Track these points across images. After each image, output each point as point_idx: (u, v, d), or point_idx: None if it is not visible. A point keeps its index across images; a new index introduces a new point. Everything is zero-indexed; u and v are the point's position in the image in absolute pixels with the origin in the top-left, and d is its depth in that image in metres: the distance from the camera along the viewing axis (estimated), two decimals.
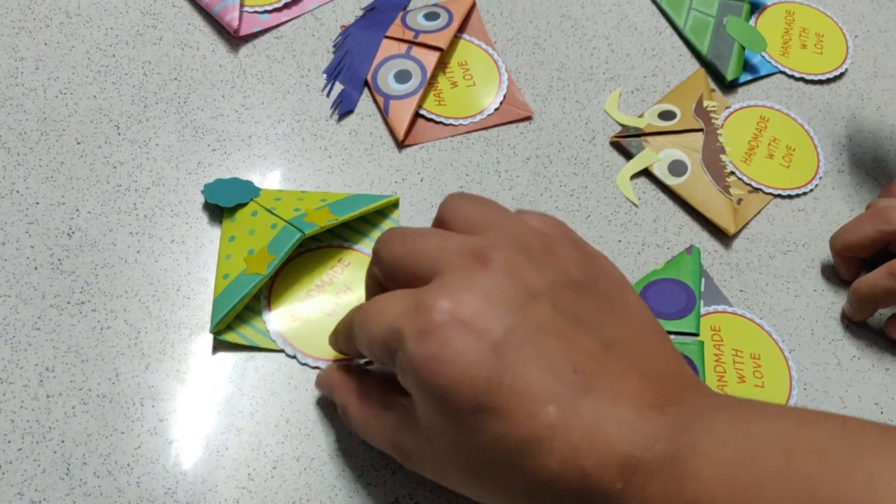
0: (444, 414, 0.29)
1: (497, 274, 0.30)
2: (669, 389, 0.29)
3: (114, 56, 0.47)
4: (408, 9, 0.52)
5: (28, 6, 0.47)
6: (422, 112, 0.48)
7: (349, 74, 0.48)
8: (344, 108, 0.47)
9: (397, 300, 0.31)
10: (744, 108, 0.52)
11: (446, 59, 0.50)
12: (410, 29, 0.49)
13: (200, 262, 0.42)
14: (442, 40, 0.49)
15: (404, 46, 0.49)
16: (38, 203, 0.42)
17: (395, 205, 0.44)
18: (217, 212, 0.43)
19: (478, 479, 0.30)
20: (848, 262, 0.45)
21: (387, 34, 0.49)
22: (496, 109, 0.49)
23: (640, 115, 0.50)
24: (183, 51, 0.48)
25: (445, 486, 0.32)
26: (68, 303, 0.39)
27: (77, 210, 0.42)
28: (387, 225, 0.44)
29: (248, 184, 0.43)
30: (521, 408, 0.28)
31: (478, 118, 0.48)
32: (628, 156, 0.49)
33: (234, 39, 0.49)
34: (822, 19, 0.57)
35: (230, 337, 0.39)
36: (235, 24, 0.47)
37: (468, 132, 0.48)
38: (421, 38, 0.49)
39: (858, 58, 0.56)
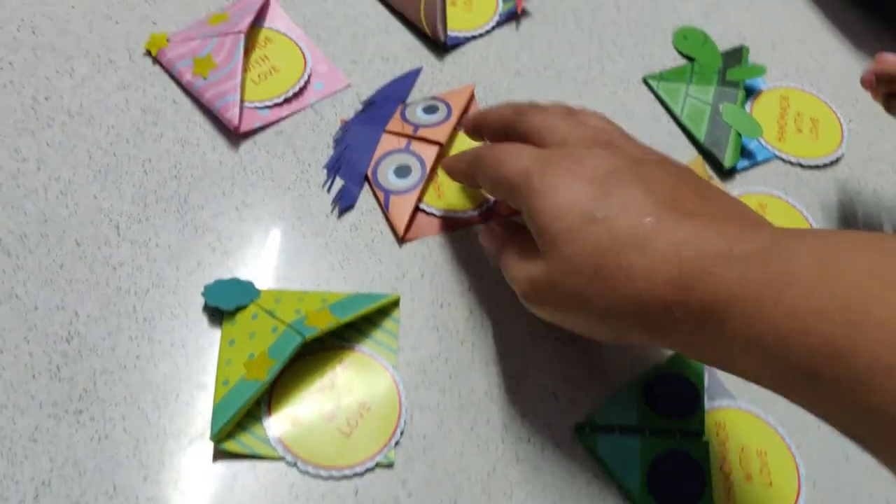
0: (558, 230, 0.34)
1: (612, 150, 0.37)
2: (764, 222, 0.34)
3: (114, 154, 0.47)
4: (407, 102, 0.52)
5: (31, 106, 0.48)
6: (422, 206, 0.48)
7: (349, 170, 0.48)
8: (344, 203, 0.47)
9: (529, 151, 0.37)
10: (742, 195, 0.52)
11: (445, 151, 0.50)
12: (410, 123, 0.50)
13: (200, 366, 0.41)
14: (441, 134, 0.49)
15: (404, 141, 0.49)
16: (37, 308, 0.41)
17: (395, 303, 0.44)
18: (217, 313, 0.43)
19: (585, 288, 0.34)
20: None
21: (386, 129, 0.50)
22: (497, 202, 0.49)
23: None
24: (183, 148, 0.48)
25: (553, 320, 0.37)
26: (66, 412, 0.39)
27: (76, 314, 0.42)
28: (387, 323, 0.43)
29: (249, 285, 0.43)
30: (622, 217, 0.33)
31: (477, 212, 0.48)
32: None
33: (234, 135, 0.49)
34: (817, 104, 0.58)
35: (230, 446, 0.39)
36: (235, 121, 0.48)
37: (468, 225, 0.48)
38: (420, 133, 0.49)
39: (853, 142, 0.56)
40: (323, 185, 0.48)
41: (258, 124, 0.49)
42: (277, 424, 0.40)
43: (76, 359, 0.40)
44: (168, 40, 0.51)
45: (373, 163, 0.49)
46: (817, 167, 0.55)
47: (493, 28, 0.57)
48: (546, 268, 0.35)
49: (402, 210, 0.47)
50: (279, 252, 0.46)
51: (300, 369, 0.41)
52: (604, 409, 0.43)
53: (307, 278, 0.45)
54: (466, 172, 0.42)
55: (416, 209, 0.48)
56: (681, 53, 0.59)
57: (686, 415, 0.43)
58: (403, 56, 0.55)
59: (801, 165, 0.54)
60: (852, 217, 0.53)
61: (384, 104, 0.51)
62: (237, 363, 0.40)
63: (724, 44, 0.60)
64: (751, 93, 0.57)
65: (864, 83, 0.49)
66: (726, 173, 0.53)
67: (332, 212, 0.47)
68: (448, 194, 0.49)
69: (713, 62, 0.58)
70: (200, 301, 0.43)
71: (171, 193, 0.46)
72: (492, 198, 0.48)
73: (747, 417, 0.44)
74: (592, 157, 0.36)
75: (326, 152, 0.50)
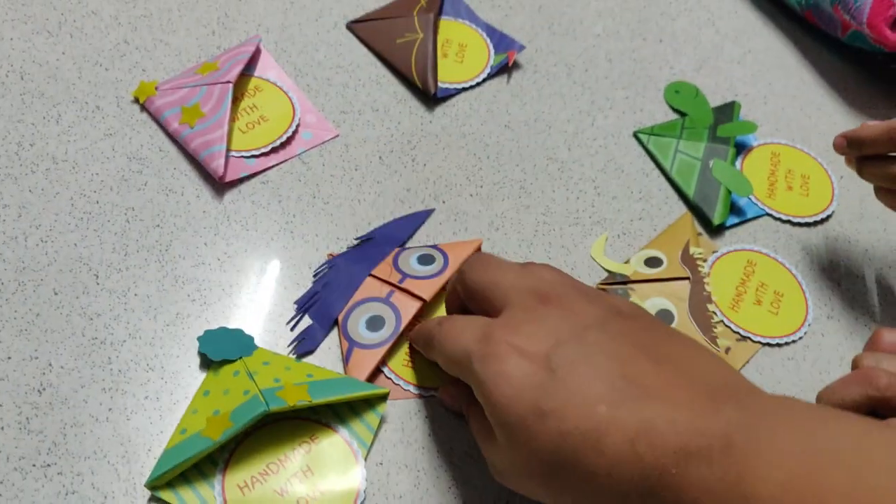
0: (509, 423, 0.33)
1: (555, 308, 0.35)
2: (727, 393, 0.31)
3: (97, 202, 0.47)
4: (406, 246, 0.49)
5: (16, 152, 0.48)
6: (384, 370, 0.44)
7: (320, 311, 0.45)
8: (303, 347, 0.44)
9: (471, 328, 0.36)
10: (731, 252, 0.52)
11: (426, 309, 0.46)
12: (399, 271, 0.46)
13: (174, 420, 0.40)
14: (427, 290, 0.45)
15: (386, 289, 0.45)
16: (10, 358, 0.41)
17: (382, 397, 0.42)
18: (193, 368, 0.42)
19: (548, 481, 0.32)
20: None
21: (372, 272, 0.46)
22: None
23: (627, 261, 0.50)
24: (167, 196, 0.48)
25: (526, 495, 0.35)
26: (33, 465, 0.38)
27: (50, 365, 0.41)
28: (370, 416, 0.42)
29: (248, 340, 0.43)
30: (574, 408, 0.31)
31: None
32: None
33: (219, 184, 0.49)
34: (807, 161, 0.57)
35: (166, 495, 0.38)
36: (221, 171, 0.47)
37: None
38: (406, 284, 0.45)
39: (844, 199, 0.56)
40: (288, 323, 0.45)
41: (244, 174, 0.49)
42: (228, 487, 0.39)
43: (47, 411, 0.40)
44: (157, 88, 0.51)
45: (347, 307, 0.45)
46: (808, 224, 0.54)
47: (484, 80, 0.57)
48: (506, 459, 0.34)
49: (361, 367, 0.43)
50: (259, 304, 0.45)
51: (270, 434, 0.40)
52: None
53: (284, 332, 0.44)
54: (425, 351, 0.41)
55: (378, 369, 0.44)
56: (672, 108, 0.59)
57: None
58: (393, 107, 0.55)
59: (791, 223, 0.54)
60: (843, 275, 0.52)
61: (381, 243, 0.48)
62: (202, 415, 0.39)
63: (715, 98, 0.60)
64: (742, 149, 0.57)
65: (836, 147, 0.48)
66: (715, 230, 0.53)
67: (289, 352, 0.44)
68: (420, 367, 0.44)
69: (704, 117, 0.57)
70: (176, 354, 0.43)
71: (152, 243, 0.46)
72: None
73: None
74: (535, 322, 0.35)
75: (312, 203, 0.49)
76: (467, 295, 0.40)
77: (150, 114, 0.51)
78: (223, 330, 0.43)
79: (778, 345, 0.48)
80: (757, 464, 0.27)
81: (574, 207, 0.52)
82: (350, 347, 0.43)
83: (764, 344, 0.48)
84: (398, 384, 0.43)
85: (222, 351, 0.42)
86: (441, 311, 0.46)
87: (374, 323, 0.44)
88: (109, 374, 0.41)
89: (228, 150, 0.49)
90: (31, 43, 0.52)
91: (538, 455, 0.32)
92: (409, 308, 0.44)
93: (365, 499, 0.40)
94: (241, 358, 0.42)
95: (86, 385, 0.41)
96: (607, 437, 0.30)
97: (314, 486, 0.39)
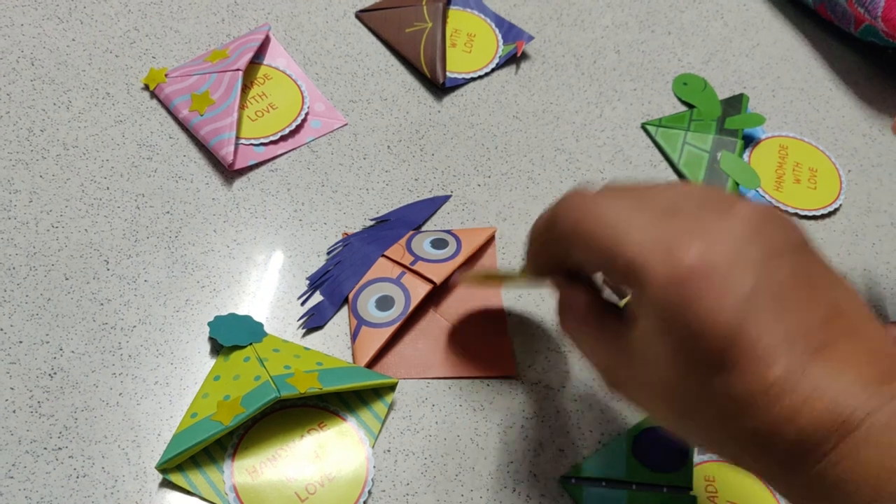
0: (677, 357, 0.29)
1: (743, 224, 0.30)
2: (892, 365, 0.30)
3: (108, 188, 0.47)
4: (420, 229, 0.49)
5: (27, 138, 0.48)
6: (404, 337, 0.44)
7: (332, 287, 0.45)
8: (312, 323, 0.44)
9: (642, 224, 0.30)
10: None
11: (438, 292, 0.46)
12: (411, 253, 0.46)
13: (183, 405, 0.41)
14: (438, 273, 0.45)
15: (398, 270, 0.46)
16: (21, 342, 0.41)
17: (391, 387, 0.43)
18: (202, 354, 0.42)
19: (683, 417, 0.31)
20: None
21: (385, 253, 0.46)
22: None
23: None
24: (177, 183, 0.48)
25: (644, 411, 0.33)
26: (45, 449, 0.39)
27: (60, 349, 0.41)
28: (378, 406, 0.42)
29: (258, 326, 0.43)
30: (751, 364, 0.28)
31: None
32: (622, 295, 0.48)
33: (228, 172, 0.49)
34: (816, 154, 0.57)
35: (176, 478, 0.38)
36: (230, 158, 0.48)
37: (442, 376, 0.44)
38: (417, 266, 0.45)
39: (852, 193, 0.56)
40: (299, 298, 0.45)
41: (253, 161, 0.49)
42: (238, 470, 0.39)
43: (58, 395, 0.40)
44: (167, 76, 0.51)
45: (358, 286, 0.46)
46: (815, 217, 0.54)
47: (493, 70, 0.57)
48: (646, 378, 0.32)
49: (368, 345, 0.43)
50: (267, 291, 0.45)
51: (279, 420, 0.41)
52: (591, 461, 0.42)
53: (293, 318, 0.45)
54: (537, 240, 0.35)
55: (385, 346, 0.44)
56: (680, 100, 0.59)
57: (674, 469, 0.42)
58: (402, 96, 0.55)
59: (798, 215, 0.54)
60: (850, 269, 0.52)
61: (396, 226, 0.48)
62: (212, 400, 0.39)
63: (723, 91, 0.60)
64: (749, 141, 0.57)
65: None
66: None
67: (298, 327, 0.45)
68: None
69: (712, 110, 0.57)
70: (186, 339, 0.43)
71: (162, 229, 0.46)
72: None
73: (737, 472, 0.43)
74: (725, 235, 0.30)
75: (321, 191, 0.49)
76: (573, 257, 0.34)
77: (160, 101, 0.51)
78: (233, 316, 0.43)
79: None
80: None
81: None
82: (358, 325, 0.44)
83: None
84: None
85: (233, 337, 0.42)
86: (452, 299, 0.46)
87: (384, 303, 0.44)
88: (120, 359, 0.42)
89: (238, 137, 0.49)
90: (41, 29, 0.52)
91: (691, 396, 0.30)
92: (419, 290, 0.45)
93: (372, 486, 0.40)
94: (251, 344, 0.42)
95: (96, 370, 0.41)
96: (775, 403, 0.28)
97: (322, 472, 0.40)
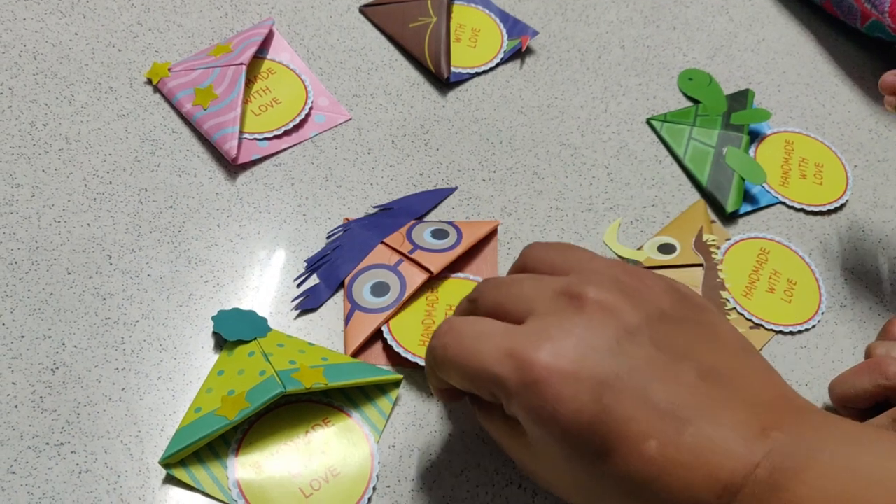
0: (562, 452, 0.31)
1: (593, 315, 0.31)
2: (773, 415, 0.30)
3: (111, 183, 0.47)
4: (423, 219, 0.49)
5: (29, 132, 0.47)
6: (386, 337, 0.43)
7: (329, 271, 0.45)
8: (306, 304, 0.44)
9: (492, 341, 0.32)
10: (744, 240, 0.51)
11: (434, 283, 0.46)
12: (411, 242, 0.46)
13: (186, 400, 0.40)
14: (435, 263, 0.45)
15: (395, 258, 0.46)
16: (23, 337, 0.41)
17: (396, 383, 0.42)
18: (206, 349, 0.42)
19: (591, 500, 0.32)
20: (848, 413, 0.44)
21: (384, 240, 0.46)
22: None
23: (640, 248, 0.50)
24: (180, 178, 0.48)
25: (560, 497, 0.34)
26: (47, 444, 0.38)
27: (63, 344, 0.41)
28: (382, 402, 0.42)
29: (262, 321, 0.43)
30: (625, 447, 0.29)
31: None
32: None
33: (232, 166, 0.49)
34: (821, 149, 0.57)
35: (179, 473, 0.38)
36: (234, 152, 0.47)
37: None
38: (416, 255, 0.45)
39: (858, 188, 0.56)
40: (295, 280, 0.45)
41: (256, 156, 0.49)
42: (242, 466, 0.39)
43: (60, 390, 0.40)
44: (170, 70, 0.51)
45: (355, 271, 0.46)
46: (821, 213, 0.54)
47: (498, 65, 0.57)
48: (544, 470, 0.34)
49: (360, 330, 0.43)
50: (271, 286, 0.45)
51: (283, 415, 0.40)
52: None
53: (294, 314, 0.44)
54: (434, 372, 0.35)
55: (377, 332, 0.44)
56: (686, 95, 0.58)
57: None
58: (406, 91, 0.54)
59: (804, 211, 0.54)
60: (856, 264, 0.52)
61: (398, 214, 0.48)
62: (216, 395, 0.39)
63: (729, 86, 0.59)
64: (755, 137, 0.57)
65: (885, 86, 0.46)
66: (728, 217, 0.52)
67: (291, 309, 0.45)
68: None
69: (718, 105, 0.57)
70: (190, 334, 0.43)
71: (165, 224, 0.46)
72: None
73: None
74: (573, 335, 0.31)
75: (325, 186, 0.49)
76: (481, 314, 0.35)
77: (163, 95, 0.50)
78: (237, 311, 0.43)
79: (791, 333, 0.48)
80: (801, 494, 0.28)
81: (587, 193, 0.52)
82: (352, 310, 0.44)
83: (777, 332, 0.48)
84: (414, 362, 0.43)
85: (237, 331, 0.42)
86: (448, 292, 0.46)
87: (379, 289, 0.44)
88: (122, 354, 0.41)
89: (241, 132, 0.49)
90: (43, 23, 0.52)
91: (581, 482, 0.32)
92: (416, 278, 0.45)
93: (377, 482, 0.40)
94: (255, 339, 0.42)
95: (99, 365, 0.41)
96: (658, 478, 0.29)
97: (327, 468, 0.39)
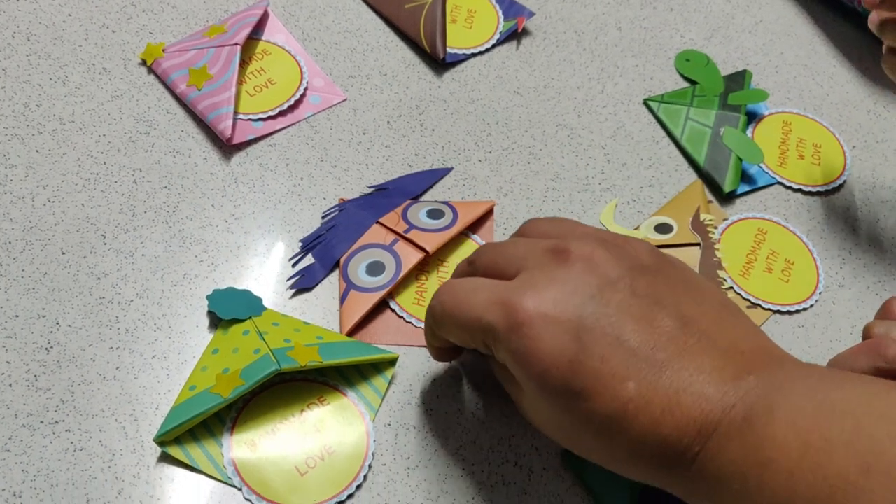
0: (539, 394, 0.33)
1: (576, 266, 0.34)
2: (749, 362, 0.32)
3: (105, 163, 0.46)
4: (419, 199, 0.49)
5: (22, 113, 0.47)
6: (393, 306, 0.44)
7: (324, 251, 0.45)
8: (301, 283, 0.44)
9: (484, 293, 0.34)
10: (742, 220, 0.51)
11: (445, 256, 0.47)
12: (406, 221, 0.46)
13: (181, 379, 0.40)
14: (431, 242, 0.45)
15: (391, 237, 0.46)
16: (17, 316, 0.41)
17: (391, 362, 0.42)
18: (200, 328, 0.42)
19: (572, 439, 0.34)
20: None
21: (380, 220, 0.46)
22: None
23: (636, 228, 0.50)
24: (175, 158, 0.47)
25: (551, 437, 0.36)
26: (41, 422, 0.38)
27: (57, 324, 0.41)
28: (377, 380, 0.42)
29: (257, 301, 0.42)
30: (603, 387, 0.31)
31: None
32: None
33: (227, 147, 0.48)
34: (819, 130, 0.57)
35: (174, 451, 0.38)
36: (228, 132, 0.47)
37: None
38: (411, 234, 0.45)
39: (857, 168, 0.56)
40: (290, 259, 0.45)
41: (251, 136, 0.49)
42: (237, 444, 0.39)
43: (55, 369, 0.40)
44: (164, 51, 0.50)
45: (350, 251, 0.45)
46: (819, 193, 0.54)
47: (494, 46, 0.57)
48: (536, 412, 0.35)
49: (355, 309, 0.43)
50: (266, 266, 0.45)
51: (278, 394, 0.40)
52: None
53: (289, 293, 0.44)
54: (434, 330, 0.38)
55: (371, 311, 0.44)
56: (683, 76, 0.58)
57: None
58: (402, 72, 0.54)
59: (802, 191, 0.54)
60: (854, 244, 0.51)
61: (394, 195, 0.48)
62: (211, 373, 0.39)
63: (726, 67, 0.59)
64: (753, 117, 0.56)
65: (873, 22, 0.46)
66: (726, 198, 0.52)
67: (287, 289, 0.44)
68: (428, 300, 0.44)
69: (715, 86, 0.57)
70: (185, 313, 0.42)
71: (160, 204, 0.46)
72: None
73: None
74: (558, 284, 0.33)
75: (320, 167, 0.49)
76: (479, 273, 0.37)
77: (157, 76, 0.50)
78: (231, 290, 0.43)
79: (789, 312, 0.48)
80: (774, 429, 0.28)
81: (584, 174, 0.52)
82: (347, 289, 0.44)
83: (775, 311, 0.48)
84: (410, 322, 0.44)
85: (232, 310, 0.42)
86: (444, 267, 0.46)
87: (375, 268, 0.44)
88: (117, 334, 0.41)
89: (236, 112, 0.49)
90: (37, 4, 0.52)
91: (565, 425, 0.33)
92: (411, 258, 0.45)
93: (373, 459, 0.39)
94: (250, 318, 0.42)
95: (93, 344, 0.41)
96: (635, 419, 0.31)
97: (322, 446, 0.39)
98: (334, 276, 0.45)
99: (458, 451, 0.40)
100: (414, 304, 0.44)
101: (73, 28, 0.51)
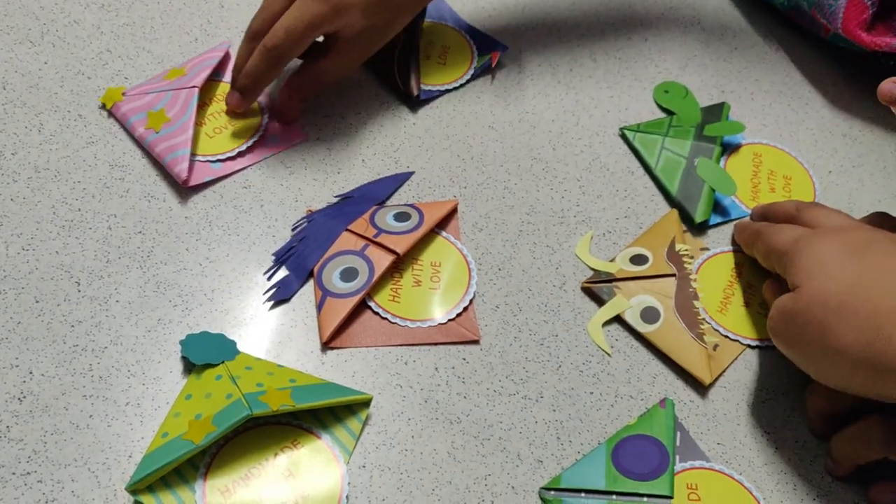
0: (813, 271, 0.41)
1: (851, 231, 0.43)
2: None
3: (79, 210, 0.47)
4: (384, 204, 0.50)
5: None
6: (370, 304, 0.46)
7: (297, 262, 0.46)
8: (278, 296, 0.45)
9: (794, 230, 0.45)
10: (718, 254, 0.51)
11: (417, 255, 0.48)
12: (375, 226, 0.47)
13: (155, 425, 0.40)
14: (401, 244, 0.46)
15: (361, 243, 0.47)
16: None
17: (366, 403, 0.42)
18: (174, 373, 0.42)
19: (826, 330, 0.39)
20: (825, 421, 0.44)
21: (349, 227, 0.47)
22: (442, 324, 0.46)
23: (612, 260, 0.50)
24: (149, 203, 0.48)
25: (799, 359, 0.42)
26: (13, 474, 0.38)
27: (30, 373, 0.41)
28: (351, 422, 0.42)
29: (230, 344, 0.43)
30: (873, 274, 0.40)
31: (426, 324, 0.46)
32: (600, 302, 0.48)
33: (201, 190, 0.49)
34: (789, 161, 0.57)
35: (146, 499, 0.38)
36: (184, 175, 0.47)
37: (406, 342, 0.45)
38: (380, 238, 0.46)
39: (832, 193, 0.56)
40: (265, 273, 0.46)
41: (209, 178, 0.49)
42: (210, 491, 0.38)
43: (27, 419, 0.40)
44: (123, 94, 0.51)
45: (322, 260, 0.47)
46: None
47: (468, 81, 0.57)
48: (796, 298, 0.41)
49: (333, 315, 0.44)
50: (240, 309, 0.45)
51: (252, 438, 0.40)
52: (570, 472, 0.42)
53: (264, 336, 0.44)
54: (747, 242, 0.49)
55: (348, 316, 0.45)
56: (660, 107, 0.58)
57: (654, 477, 0.41)
58: (376, 109, 0.54)
59: None
60: None
61: (359, 202, 0.49)
62: (184, 419, 0.39)
63: (702, 95, 0.59)
64: (727, 147, 0.57)
65: (883, 94, 0.46)
66: (698, 228, 0.52)
67: (263, 302, 0.45)
68: (404, 299, 0.46)
69: (693, 117, 0.57)
70: (157, 360, 0.42)
71: (134, 249, 0.46)
72: None
73: (721, 479, 0.43)
74: (855, 230, 0.43)
75: (294, 207, 0.49)
76: (804, 224, 0.46)
77: (116, 119, 0.51)
78: (205, 334, 0.43)
79: (769, 347, 0.48)
80: None
81: (559, 207, 0.52)
82: (323, 296, 0.45)
83: (754, 347, 0.48)
84: (385, 318, 0.46)
85: (205, 355, 0.42)
86: (428, 260, 0.48)
87: (348, 274, 0.46)
88: (90, 381, 0.41)
89: (193, 154, 0.49)
90: (13, 53, 0.52)
91: (829, 292, 0.40)
92: (383, 261, 0.46)
93: (347, 502, 0.39)
94: (223, 362, 0.42)
95: (66, 392, 0.41)
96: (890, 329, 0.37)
97: (296, 491, 0.39)
98: (309, 286, 0.46)
99: (434, 491, 0.40)
100: (390, 300, 0.46)
101: (49, 76, 0.52)
